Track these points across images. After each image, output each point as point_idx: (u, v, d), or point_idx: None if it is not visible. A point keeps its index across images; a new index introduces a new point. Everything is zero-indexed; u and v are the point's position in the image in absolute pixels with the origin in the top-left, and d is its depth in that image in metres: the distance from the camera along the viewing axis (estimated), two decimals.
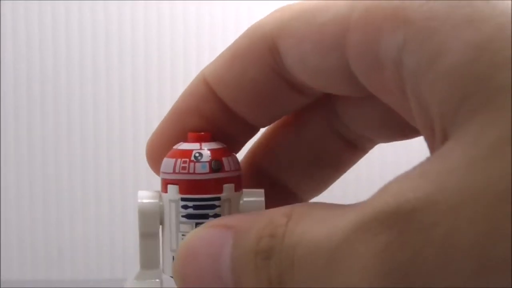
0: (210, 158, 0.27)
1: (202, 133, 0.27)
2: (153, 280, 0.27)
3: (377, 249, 0.19)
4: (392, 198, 0.20)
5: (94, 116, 0.83)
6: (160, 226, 0.28)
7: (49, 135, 0.83)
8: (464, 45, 0.20)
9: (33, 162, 0.83)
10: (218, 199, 0.27)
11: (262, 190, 0.27)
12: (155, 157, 0.29)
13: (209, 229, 0.24)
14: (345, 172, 0.31)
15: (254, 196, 0.27)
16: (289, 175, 0.30)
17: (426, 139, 0.23)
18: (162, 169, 0.27)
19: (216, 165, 0.27)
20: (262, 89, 0.28)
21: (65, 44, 0.83)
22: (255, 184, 0.29)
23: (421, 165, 0.20)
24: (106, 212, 0.83)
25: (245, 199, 0.27)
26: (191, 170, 0.27)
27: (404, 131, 0.28)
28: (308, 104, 0.29)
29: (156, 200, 0.27)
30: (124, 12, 0.83)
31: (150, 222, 0.27)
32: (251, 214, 0.24)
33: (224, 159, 0.27)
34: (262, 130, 0.30)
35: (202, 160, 0.27)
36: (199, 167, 0.27)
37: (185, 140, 0.28)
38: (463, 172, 0.19)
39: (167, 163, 0.27)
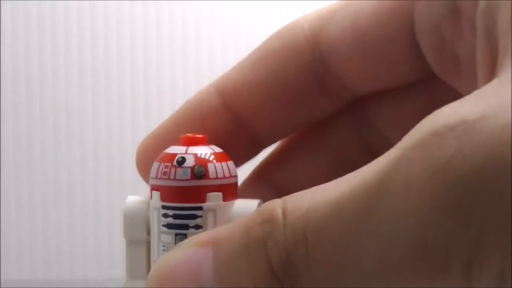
0: (193, 163, 0.25)
1: (197, 135, 0.25)
2: None
3: (440, 161, 0.18)
4: (451, 114, 0.18)
5: (93, 117, 0.83)
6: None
7: (48, 135, 0.83)
8: None
9: (32, 162, 0.83)
10: (200, 208, 0.24)
11: (258, 200, 0.25)
12: (145, 163, 0.27)
13: (182, 249, 0.22)
14: None
15: (246, 205, 0.25)
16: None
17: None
18: (150, 173, 0.25)
19: (199, 171, 0.24)
20: (291, 93, 0.26)
21: (64, 45, 0.82)
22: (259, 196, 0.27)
23: (476, 91, 0.19)
24: (105, 212, 0.83)
25: (235, 209, 0.25)
26: (172, 176, 0.24)
27: None
28: (330, 114, 0.27)
29: (144, 206, 0.25)
30: (123, 12, 0.82)
31: (136, 229, 0.25)
32: (230, 224, 0.22)
33: (210, 165, 0.25)
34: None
35: (184, 165, 0.24)
36: (180, 173, 0.24)
37: (177, 142, 0.26)
38: None
39: (153, 167, 0.25)
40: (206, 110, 0.27)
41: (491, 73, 0.21)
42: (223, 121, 0.26)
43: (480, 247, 0.18)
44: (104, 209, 0.83)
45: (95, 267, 0.83)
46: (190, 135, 0.25)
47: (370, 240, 0.19)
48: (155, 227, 0.25)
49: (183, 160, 0.25)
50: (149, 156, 0.27)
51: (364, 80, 0.26)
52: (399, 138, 0.27)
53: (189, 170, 0.24)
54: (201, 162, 0.25)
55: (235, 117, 0.26)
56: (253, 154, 0.27)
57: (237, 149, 0.27)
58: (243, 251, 0.20)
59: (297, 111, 0.26)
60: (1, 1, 0.82)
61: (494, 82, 0.19)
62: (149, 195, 0.26)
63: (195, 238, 0.22)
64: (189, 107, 0.27)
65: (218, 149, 0.25)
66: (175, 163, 0.24)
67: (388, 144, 0.27)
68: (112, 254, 0.83)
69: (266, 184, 0.28)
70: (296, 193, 0.21)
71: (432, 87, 0.26)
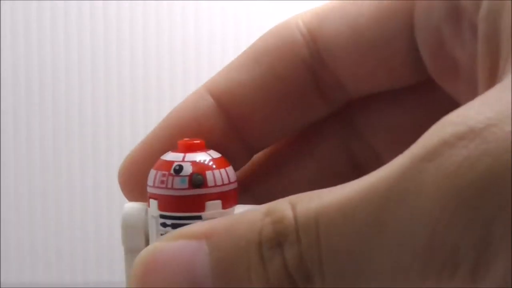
0: (191, 171, 0.24)
1: (195, 141, 0.25)
2: None
3: (450, 169, 0.19)
4: (459, 123, 0.19)
5: (93, 117, 0.83)
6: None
7: (48, 137, 0.83)
8: None
9: (32, 165, 0.83)
10: (199, 218, 0.24)
11: (257, 206, 0.25)
12: (133, 178, 0.26)
13: (172, 241, 0.21)
14: None
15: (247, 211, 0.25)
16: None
17: (484, 87, 0.22)
18: (147, 180, 0.25)
19: (197, 180, 0.24)
20: (286, 91, 0.25)
21: (64, 44, 0.83)
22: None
23: (480, 97, 0.20)
24: (105, 215, 0.83)
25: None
26: (169, 185, 0.24)
27: None
28: (323, 118, 0.27)
29: (142, 213, 0.25)
30: (123, 12, 0.83)
31: (135, 237, 0.25)
32: (225, 218, 0.21)
33: (209, 173, 0.24)
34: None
35: (182, 174, 0.24)
36: (177, 182, 0.24)
37: (174, 148, 0.25)
38: None
39: (150, 174, 0.25)
40: (201, 113, 0.26)
41: (492, 78, 0.21)
42: (219, 124, 0.26)
43: (486, 251, 0.19)
44: (104, 212, 0.83)
45: (95, 270, 0.83)
46: (188, 140, 0.25)
47: (381, 246, 0.19)
48: (153, 235, 0.25)
49: (180, 168, 0.24)
50: (139, 170, 0.26)
51: (360, 80, 0.26)
52: (384, 149, 0.27)
53: (186, 179, 0.24)
54: (199, 170, 0.24)
55: (230, 119, 0.26)
56: (247, 159, 0.27)
57: (232, 153, 0.26)
58: (254, 249, 0.20)
59: (292, 111, 0.26)
60: (1, 1, 0.82)
61: (497, 87, 0.20)
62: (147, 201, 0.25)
63: (186, 230, 0.21)
64: (183, 112, 0.26)
65: (216, 155, 0.25)
66: (172, 171, 0.24)
67: (372, 157, 0.27)
68: (112, 258, 0.83)
69: (245, 193, 0.27)
70: (301, 194, 0.21)
71: (424, 95, 0.27)
